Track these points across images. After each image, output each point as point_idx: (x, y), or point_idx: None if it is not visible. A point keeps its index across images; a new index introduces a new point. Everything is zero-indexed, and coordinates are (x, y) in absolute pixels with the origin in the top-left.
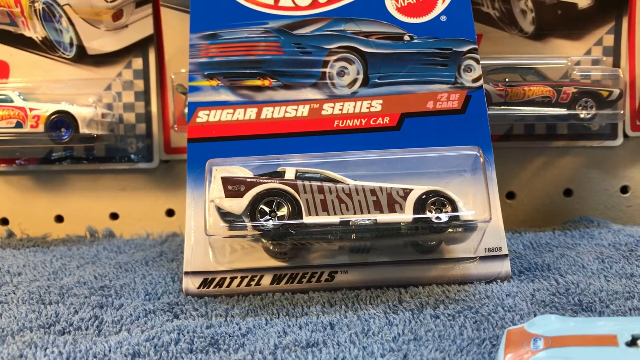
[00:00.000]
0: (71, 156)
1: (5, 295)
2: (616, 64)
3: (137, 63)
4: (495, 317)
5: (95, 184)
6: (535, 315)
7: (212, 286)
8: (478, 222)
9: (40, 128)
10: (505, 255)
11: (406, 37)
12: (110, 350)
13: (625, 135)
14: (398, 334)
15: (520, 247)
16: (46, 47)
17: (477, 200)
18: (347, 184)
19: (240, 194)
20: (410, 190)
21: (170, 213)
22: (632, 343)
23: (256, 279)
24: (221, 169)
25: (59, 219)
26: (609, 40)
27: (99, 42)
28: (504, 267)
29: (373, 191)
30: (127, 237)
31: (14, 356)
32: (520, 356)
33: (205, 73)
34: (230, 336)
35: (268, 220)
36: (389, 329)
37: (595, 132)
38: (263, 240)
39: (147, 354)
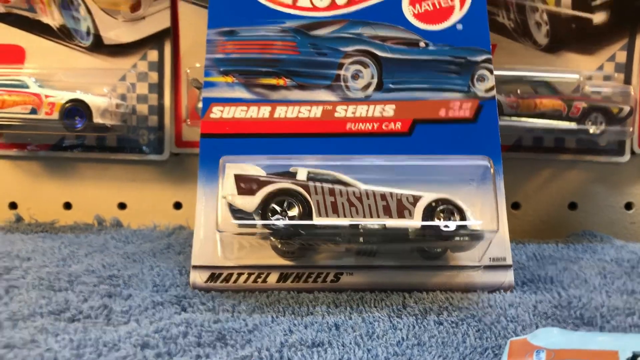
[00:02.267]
0: (82, 144)
1: (16, 279)
2: (627, 80)
3: (153, 55)
4: (498, 326)
5: (105, 173)
6: (537, 327)
7: (220, 281)
8: (485, 232)
9: (55, 115)
10: (510, 266)
11: (422, 44)
12: (119, 340)
13: (633, 152)
14: (402, 338)
15: (523, 258)
16: (63, 35)
17: (485, 211)
18: (358, 188)
19: (252, 192)
20: (420, 197)
21: (177, 206)
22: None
23: (263, 276)
24: (234, 166)
25: (68, 206)
26: (622, 57)
27: (116, 32)
28: (508, 277)
29: (383, 196)
30: (134, 227)
31: (26, 341)
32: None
33: (221, 69)
34: (237, 332)
35: (279, 219)
36: (393, 333)
37: (603, 148)
38: (272, 238)
39: (156, 345)
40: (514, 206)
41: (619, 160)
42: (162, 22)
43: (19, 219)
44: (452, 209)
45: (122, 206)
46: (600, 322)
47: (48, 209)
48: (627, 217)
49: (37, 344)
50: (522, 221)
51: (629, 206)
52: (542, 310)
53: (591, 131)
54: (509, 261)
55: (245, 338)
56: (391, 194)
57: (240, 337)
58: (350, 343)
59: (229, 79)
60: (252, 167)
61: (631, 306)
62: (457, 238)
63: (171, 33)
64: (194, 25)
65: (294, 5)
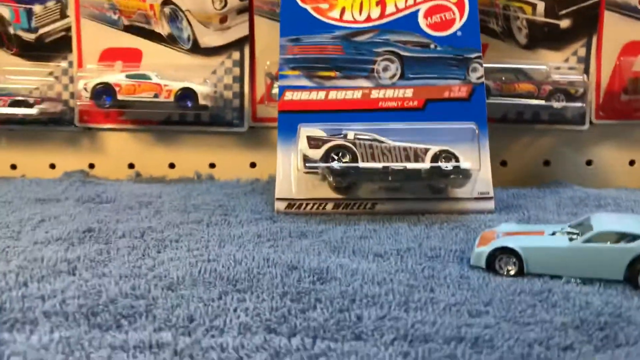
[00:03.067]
0: (184, 120)
1: (159, 207)
2: (587, 70)
3: (236, 55)
4: (479, 229)
5: (200, 141)
6: None
7: (294, 208)
8: (472, 170)
9: (171, 99)
10: (491, 198)
11: (432, 46)
12: (242, 235)
13: (591, 122)
14: (417, 234)
15: (504, 196)
16: (170, 41)
17: (472, 157)
18: (388, 143)
19: (318, 147)
20: (429, 148)
21: (253, 165)
22: (552, 234)
23: (323, 205)
24: (306, 130)
25: (172, 165)
26: (582, 52)
27: (209, 38)
28: (490, 205)
29: (404, 148)
30: (223, 180)
31: (187, 233)
32: (488, 242)
33: (291, 66)
34: (312, 232)
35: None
36: (411, 232)
37: (569, 119)
38: (330, 178)
39: (265, 236)
40: (502, 163)
41: (581, 128)
42: (242, 31)
43: (138, 174)
44: (450, 156)
45: (212, 166)
46: None
47: (157, 168)
48: (588, 171)
49: (195, 235)
50: (508, 175)
51: (589, 163)
52: (510, 220)
53: (555, 106)
54: (491, 194)
55: (318, 234)
56: (410, 147)
57: (315, 234)
58: (384, 237)
59: (296, 73)
60: (318, 130)
61: (570, 219)
62: (453, 176)
63: (249, 39)
64: (266, 34)
65: (340, 19)
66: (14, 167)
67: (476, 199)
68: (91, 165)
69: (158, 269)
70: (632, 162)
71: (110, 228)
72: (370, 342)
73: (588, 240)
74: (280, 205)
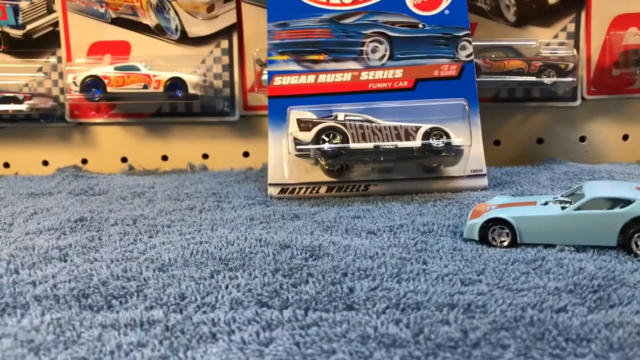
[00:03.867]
0: (175, 111)
1: (151, 197)
2: (576, 45)
3: (224, 44)
4: (472, 205)
5: (192, 132)
6: None
7: (287, 193)
8: (463, 146)
9: (160, 89)
10: (484, 175)
11: (420, 25)
12: (234, 218)
13: (583, 98)
14: (410, 212)
15: (498, 174)
16: (158, 32)
17: (464, 134)
18: (378, 123)
19: (309, 129)
20: (420, 126)
21: (246, 154)
22: (545, 204)
23: (316, 189)
24: (296, 113)
25: (165, 158)
26: (572, 28)
27: (197, 28)
28: (483, 182)
29: (395, 127)
30: (216, 170)
31: (179, 219)
32: (480, 215)
33: (279, 51)
34: (305, 214)
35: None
36: (404, 210)
37: (561, 96)
38: (321, 162)
39: (258, 219)
40: (495, 143)
41: (573, 105)
42: (230, 19)
43: (131, 167)
44: (441, 134)
45: (205, 156)
46: None
47: (150, 160)
48: (582, 147)
49: (187, 221)
50: (501, 154)
51: (582, 139)
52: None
53: (545, 82)
54: (484, 172)
55: (311, 216)
56: (401, 125)
57: (309, 215)
58: (377, 216)
59: (285, 57)
60: (308, 113)
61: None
62: (444, 153)
63: (237, 27)
64: (254, 21)
65: (327, 3)
66: (7, 165)
67: (469, 176)
68: (84, 161)
69: (150, 252)
70: (625, 137)
71: (103, 217)
72: (362, 311)
73: (580, 208)
74: (273, 191)
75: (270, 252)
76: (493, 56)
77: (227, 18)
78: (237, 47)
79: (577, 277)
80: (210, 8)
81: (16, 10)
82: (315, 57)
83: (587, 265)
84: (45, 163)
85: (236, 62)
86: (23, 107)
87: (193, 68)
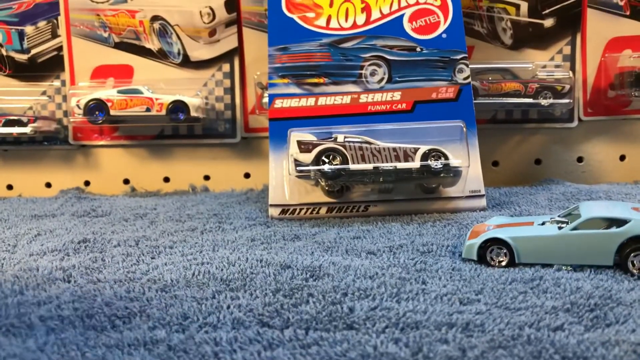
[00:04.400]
0: (177, 134)
1: (153, 218)
2: (572, 67)
3: (226, 67)
4: (471, 225)
5: (194, 154)
6: None
7: (288, 214)
8: (461, 167)
9: (163, 112)
10: (483, 195)
11: (418, 49)
12: (236, 239)
13: (580, 119)
14: (409, 232)
15: (497, 194)
16: (160, 55)
17: (461, 155)
18: (378, 145)
19: (309, 151)
20: (418, 148)
21: (247, 175)
22: (542, 224)
23: (316, 209)
24: (296, 135)
25: (167, 179)
26: (567, 50)
27: (199, 52)
28: (482, 202)
29: (394, 149)
30: (218, 191)
31: (179, 240)
32: (479, 235)
33: (280, 74)
34: (305, 234)
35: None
36: (404, 230)
37: (558, 117)
38: (321, 183)
39: (259, 239)
40: (493, 164)
41: (570, 126)
42: (231, 43)
43: (133, 189)
44: (439, 155)
45: (206, 178)
46: None
47: (152, 182)
48: (579, 168)
49: (189, 242)
50: (500, 175)
51: (580, 160)
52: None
53: (542, 103)
54: (483, 192)
55: (311, 236)
56: (399, 147)
57: (309, 236)
58: (377, 236)
59: (285, 80)
60: (308, 134)
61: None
62: (443, 174)
63: (238, 51)
64: (255, 45)
65: (327, 27)
66: (10, 187)
67: (468, 197)
68: (87, 183)
69: (152, 273)
70: (622, 157)
71: (105, 238)
72: (362, 330)
73: (576, 228)
74: (274, 212)
75: (271, 273)
76: (490, 78)
77: (228, 42)
78: (238, 71)
79: (574, 296)
80: (212, 32)
81: (22, 35)
82: (315, 80)
83: (584, 285)
84: (48, 185)
85: (237, 85)
86: (27, 130)
87: (195, 91)
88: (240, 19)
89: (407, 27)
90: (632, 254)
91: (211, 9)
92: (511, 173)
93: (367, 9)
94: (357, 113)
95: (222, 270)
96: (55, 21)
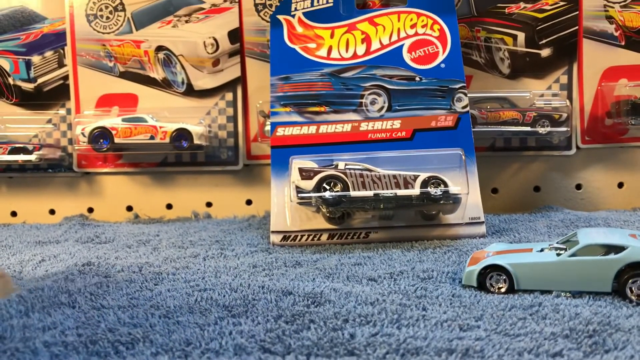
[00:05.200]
0: (180, 161)
1: (156, 244)
2: (569, 96)
3: (229, 96)
4: (471, 252)
5: (196, 181)
6: None
7: (289, 240)
8: (460, 194)
9: (167, 140)
10: (482, 222)
11: (417, 78)
12: (238, 266)
13: (578, 147)
14: (410, 259)
15: (496, 221)
16: (165, 85)
17: (461, 182)
18: (378, 172)
19: (310, 178)
20: (418, 175)
21: (249, 202)
22: (540, 251)
23: (318, 236)
24: (297, 162)
25: (169, 206)
26: (564, 79)
27: (202, 81)
28: (481, 229)
29: (394, 176)
30: (220, 218)
31: (182, 266)
32: (478, 261)
33: (282, 103)
34: (307, 261)
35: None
36: (404, 257)
37: (556, 145)
38: (323, 209)
39: (260, 266)
40: (493, 191)
41: (568, 153)
42: (234, 72)
43: (136, 216)
44: (439, 182)
45: (209, 204)
46: None
47: (155, 209)
48: (578, 195)
49: (191, 268)
50: (499, 202)
51: (578, 187)
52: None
53: (540, 131)
54: (482, 219)
55: (312, 263)
56: (399, 174)
57: (310, 263)
58: (378, 262)
59: (287, 109)
60: (309, 162)
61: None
62: (442, 201)
63: (241, 80)
64: (257, 74)
65: (328, 57)
66: (14, 214)
67: (467, 224)
68: (90, 209)
69: (155, 299)
70: (620, 185)
71: (109, 264)
72: (363, 356)
73: (574, 254)
74: (275, 238)
75: (272, 299)
76: (488, 107)
77: (231, 72)
78: (241, 99)
79: (572, 322)
80: (216, 62)
81: (28, 64)
82: (317, 108)
83: (583, 311)
84: (52, 212)
85: (240, 113)
86: (32, 157)
87: (198, 119)
88: (244, 49)
89: (407, 57)
90: (630, 281)
91: (215, 39)
92: (510, 200)
93: (367, 40)
94: (358, 141)
95: (224, 296)
96: (61, 51)
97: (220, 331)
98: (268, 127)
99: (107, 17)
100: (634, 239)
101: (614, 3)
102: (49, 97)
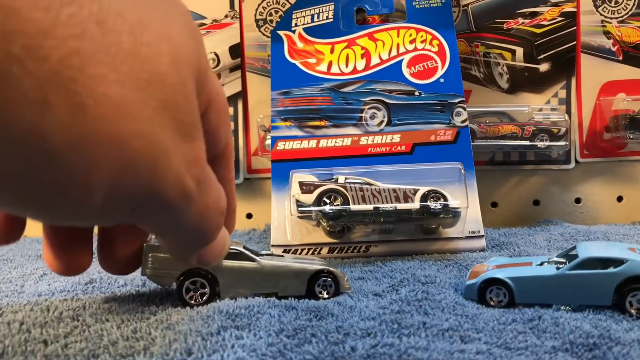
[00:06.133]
0: None
1: None
2: (568, 110)
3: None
4: (471, 266)
5: None
6: None
7: (290, 254)
8: (460, 208)
9: None
10: (482, 236)
11: (416, 93)
12: None
13: (577, 161)
14: (411, 266)
15: (496, 235)
16: None
17: (460, 196)
18: (378, 186)
19: (310, 191)
20: (418, 189)
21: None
22: (540, 265)
23: (318, 249)
24: (298, 176)
25: None
26: (563, 94)
27: None
28: (481, 243)
29: (394, 190)
30: None
31: None
32: (478, 275)
33: (282, 117)
34: None
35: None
36: (406, 268)
37: (555, 159)
38: (323, 223)
39: None
40: (492, 205)
41: (567, 167)
42: (235, 87)
43: None
44: (439, 196)
45: None
46: None
47: None
48: (577, 209)
49: None
50: (499, 215)
51: (578, 200)
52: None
53: (539, 146)
54: (482, 233)
55: None
56: (399, 188)
57: None
58: (380, 276)
59: (288, 123)
60: (309, 176)
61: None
62: (442, 215)
63: (242, 95)
64: (258, 89)
65: (328, 72)
66: None
67: (467, 237)
68: None
69: (160, 314)
70: (619, 198)
71: (112, 278)
72: None
73: (574, 268)
74: (276, 252)
75: (275, 314)
76: (487, 121)
77: (232, 86)
78: (242, 114)
79: (572, 336)
80: (217, 77)
81: None
82: (317, 123)
83: (583, 324)
84: None
85: (241, 127)
86: None
87: None
88: (244, 64)
89: (406, 72)
90: (629, 294)
91: (216, 54)
92: (510, 214)
93: (366, 55)
94: (358, 155)
95: (227, 312)
96: None
97: (223, 343)
98: (268, 141)
99: None
100: (633, 252)
101: (612, 18)
102: None
